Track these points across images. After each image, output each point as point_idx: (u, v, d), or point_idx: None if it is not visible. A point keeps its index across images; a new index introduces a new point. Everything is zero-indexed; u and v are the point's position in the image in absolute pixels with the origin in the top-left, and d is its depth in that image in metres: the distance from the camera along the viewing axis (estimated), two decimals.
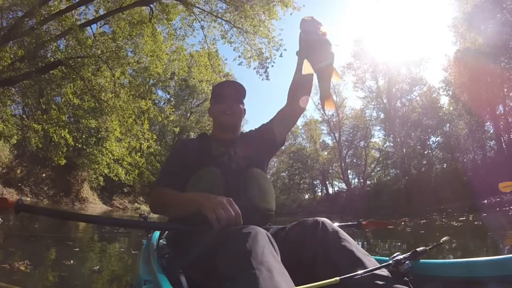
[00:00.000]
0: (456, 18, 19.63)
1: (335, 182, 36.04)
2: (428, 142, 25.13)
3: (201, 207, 1.14)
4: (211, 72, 12.02)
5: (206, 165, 1.37)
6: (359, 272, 0.96)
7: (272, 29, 11.14)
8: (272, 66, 11.39)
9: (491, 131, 19.54)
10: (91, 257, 3.72)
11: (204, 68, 12.18)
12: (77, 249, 4.02)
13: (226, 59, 13.20)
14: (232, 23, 11.33)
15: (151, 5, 10.79)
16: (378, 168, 30.64)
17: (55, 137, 10.64)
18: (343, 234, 1.16)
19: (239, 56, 11.63)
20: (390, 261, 1.11)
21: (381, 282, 1.00)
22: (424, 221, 8.48)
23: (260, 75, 11.39)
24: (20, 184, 18.66)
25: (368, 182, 30.86)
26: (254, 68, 11.55)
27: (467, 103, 19.18)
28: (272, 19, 10.91)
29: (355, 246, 1.11)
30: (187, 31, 12.02)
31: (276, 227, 1.41)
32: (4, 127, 12.02)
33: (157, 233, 1.82)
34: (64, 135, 10.70)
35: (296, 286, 0.84)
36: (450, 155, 21.64)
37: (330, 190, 35.64)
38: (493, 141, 19.59)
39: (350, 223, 1.82)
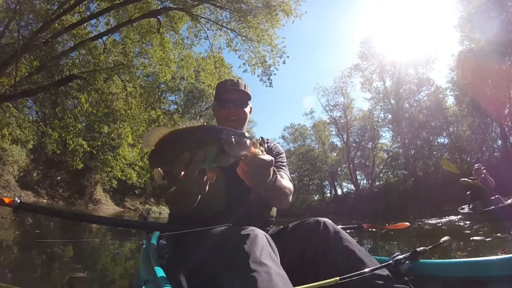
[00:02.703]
0: (462, 18, 19.57)
1: (344, 183, 35.91)
2: (435, 143, 25.03)
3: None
4: (217, 79, 12.41)
5: None
6: (359, 272, 0.97)
7: (275, 37, 11.51)
8: (275, 74, 11.73)
9: (498, 131, 19.43)
10: (110, 247, 4.72)
11: (210, 75, 12.62)
12: (97, 240, 5.04)
13: (231, 67, 13.52)
14: (237, 31, 11.71)
15: (159, 17, 11.26)
16: (385, 170, 30.52)
17: (71, 143, 11.20)
18: (344, 234, 1.17)
19: (244, 64, 12.03)
20: (390, 261, 1.13)
21: (381, 282, 1.01)
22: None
23: (264, 82, 11.73)
24: (36, 187, 19.35)
25: (377, 183, 30.77)
26: (258, 76, 11.92)
27: (473, 104, 19.10)
28: (275, 27, 11.28)
29: (357, 247, 1.12)
30: (194, 40, 12.50)
31: (277, 228, 1.43)
32: (21, 133, 12.68)
33: (157, 233, 1.79)
34: (80, 142, 11.30)
35: (296, 286, 0.85)
36: (458, 156, 21.57)
37: (339, 191, 35.56)
38: (499, 141, 19.50)
39: (351, 225, 1.85)
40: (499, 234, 4.86)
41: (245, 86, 1.58)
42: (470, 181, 7.88)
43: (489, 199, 7.18)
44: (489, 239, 4.52)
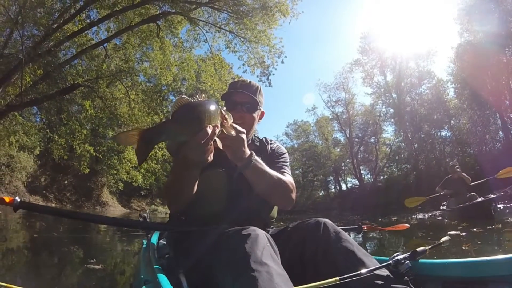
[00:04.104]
0: (460, 10, 19.47)
1: (348, 178, 35.80)
2: (438, 135, 24.97)
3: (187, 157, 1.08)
4: (217, 81, 12.62)
5: (213, 166, 1.25)
6: (359, 272, 0.97)
7: (273, 38, 11.63)
8: (273, 74, 11.88)
9: (499, 123, 19.36)
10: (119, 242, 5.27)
11: (211, 76, 12.82)
12: (108, 239, 5.69)
13: (231, 67, 13.68)
14: (235, 33, 11.85)
15: (158, 22, 11.44)
16: (388, 164, 30.48)
17: (78, 149, 11.51)
18: (344, 234, 1.17)
19: (243, 64, 12.18)
20: (390, 261, 1.13)
21: (381, 282, 1.01)
22: (394, 218, 9.10)
23: (263, 82, 11.89)
24: (44, 192, 19.75)
25: (381, 177, 30.72)
26: (257, 76, 12.06)
27: (472, 96, 19.05)
28: (272, 27, 11.40)
29: (356, 247, 1.12)
30: (193, 43, 12.69)
31: (277, 228, 1.43)
32: (28, 140, 12.99)
33: (157, 233, 1.79)
34: (87, 148, 11.61)
35: (297, 286, 0.86)
36: (460, 148, 21.54)
37: (344, 187, 35.45)
38: (501, 132, 19.43)
39: (351, 226, 1.86)
40: (474, 229, 5.08)
41: (257, 89, 1.50)
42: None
43: (464, 196, 7.38)
44: (464, 233, 4.75)
